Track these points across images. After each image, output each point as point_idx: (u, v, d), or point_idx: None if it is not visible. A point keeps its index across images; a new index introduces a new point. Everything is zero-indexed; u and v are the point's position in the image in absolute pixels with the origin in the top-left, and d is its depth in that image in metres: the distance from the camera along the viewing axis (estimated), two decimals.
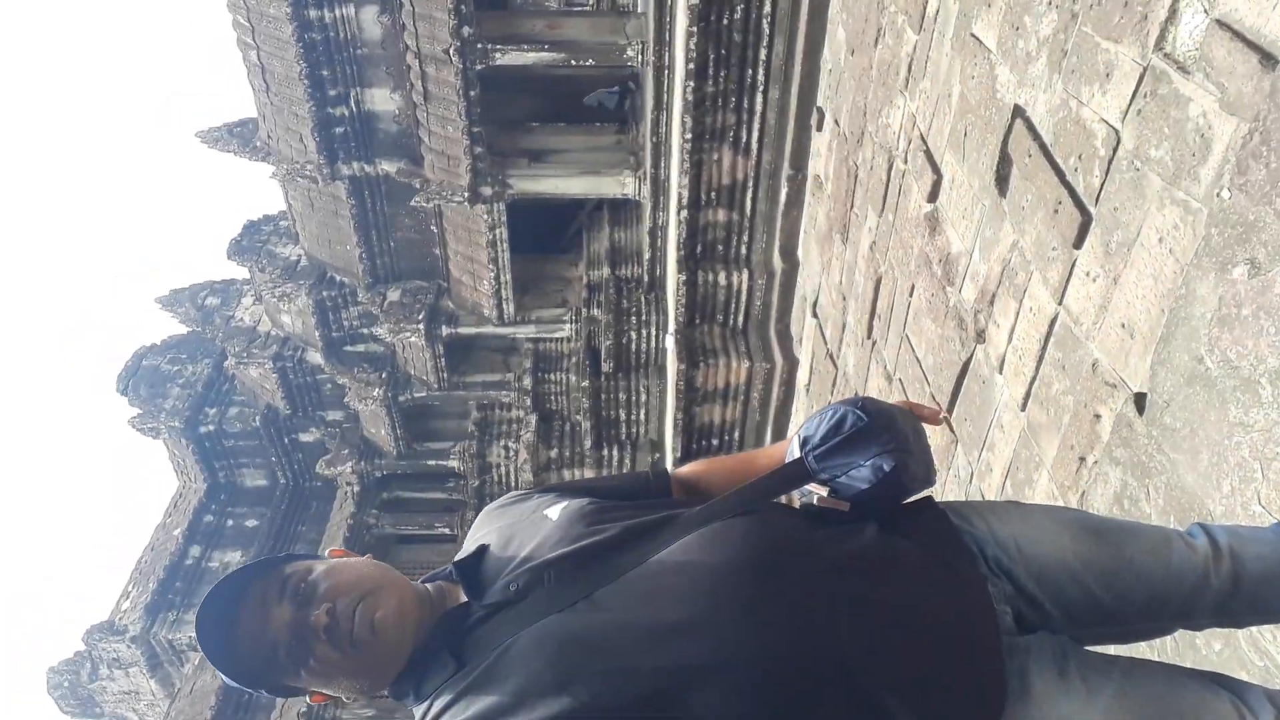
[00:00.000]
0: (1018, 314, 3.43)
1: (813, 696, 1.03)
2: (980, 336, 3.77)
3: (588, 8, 14.19)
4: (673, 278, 8.84)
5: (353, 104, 9.31)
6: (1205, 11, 2.43)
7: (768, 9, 7.16)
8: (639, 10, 9.54)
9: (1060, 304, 3.11)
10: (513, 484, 10.56)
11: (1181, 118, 2.49)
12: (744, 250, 8.58)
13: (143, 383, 11.71)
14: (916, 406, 1.31)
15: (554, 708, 1.00)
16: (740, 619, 1.04)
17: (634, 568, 1.09)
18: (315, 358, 11.47)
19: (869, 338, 5.60)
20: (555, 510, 1.21)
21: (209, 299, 11.91)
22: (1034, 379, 3.30)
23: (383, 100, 9.37)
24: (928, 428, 1.33)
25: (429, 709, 1.09)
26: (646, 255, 9.53)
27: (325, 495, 12.91)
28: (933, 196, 4.38)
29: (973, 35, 3.92)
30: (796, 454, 1.25)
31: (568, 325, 10.12)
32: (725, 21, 7.27)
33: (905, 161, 4.85)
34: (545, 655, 1.03)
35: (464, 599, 1.17)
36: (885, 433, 1.22)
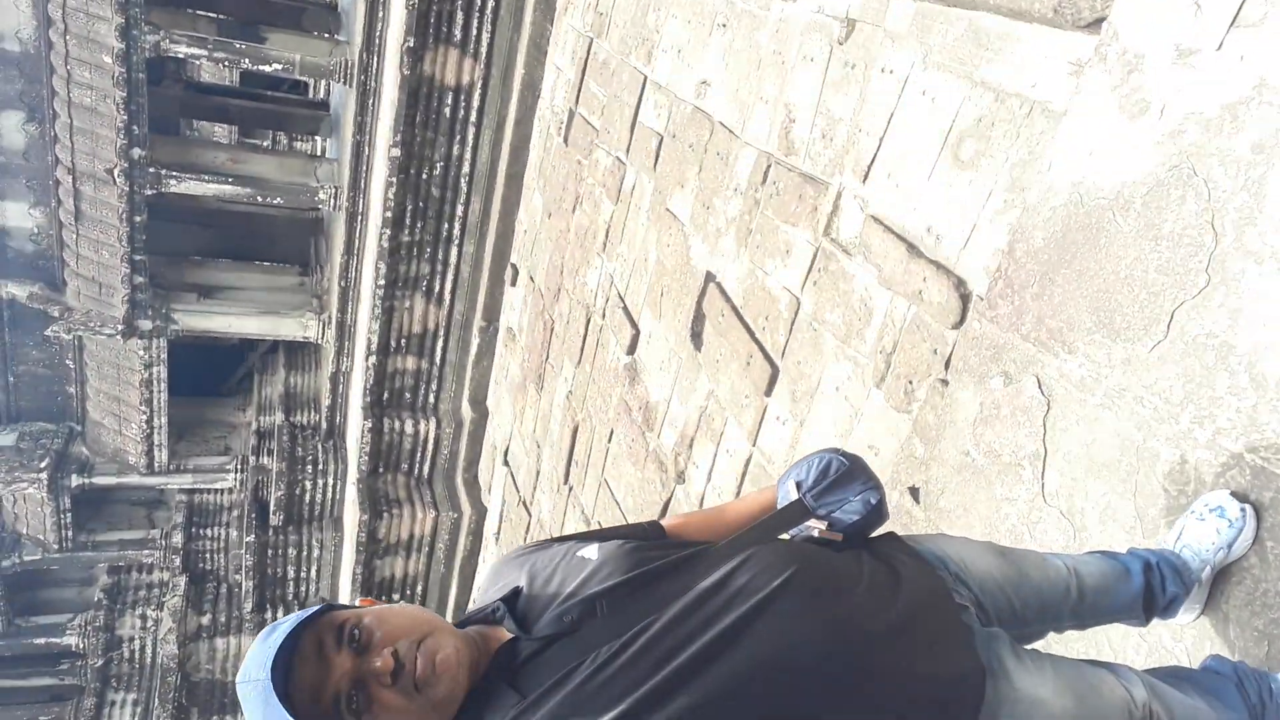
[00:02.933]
0: (715, 455, 3.80)
1: (850, 683, 1.14)
2: (680, 477, 4.10)
3: (266, 147, 13.83)
4: (356, 425, 8.51)
5: None
6: (861, 209, 3.03)
7: (466, 169, 7.53)
8: (330, 156, 9.51)
9: (755, 445, 3.51)
10: (149, 660, 9.05)
11: (849, 290, 3.03)
12: (433, 398, 8.54)
13: None
14: None
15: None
16: (797, 613, 1.13)
17: (681, 595, 1.15)
18: None
19: (565, 483, 5.78)
20: (592, 550, 1.26)
21: None
22: None
23: (18, 215, 8.27)
24: None
25: None
26: (327, 401, 9.10)
27: None
28: (631, 349, 4.77)
29: (668, 209, 4.46)
30: (793, 495, 1.42)
31: (231, 475, 9.21)
32: (425, 176, 7.51)
33: (604, 317, 5.25)
34: (599, 688, 1.07)
35: (505, 639, 1.19)
36: (863, 473, 1.43)
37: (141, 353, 8.29)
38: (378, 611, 1.16)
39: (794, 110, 3.45)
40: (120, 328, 7.98)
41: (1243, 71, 1.66)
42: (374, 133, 7.72)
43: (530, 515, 6.63)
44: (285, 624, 1.10)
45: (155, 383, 8.45)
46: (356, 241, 8.23)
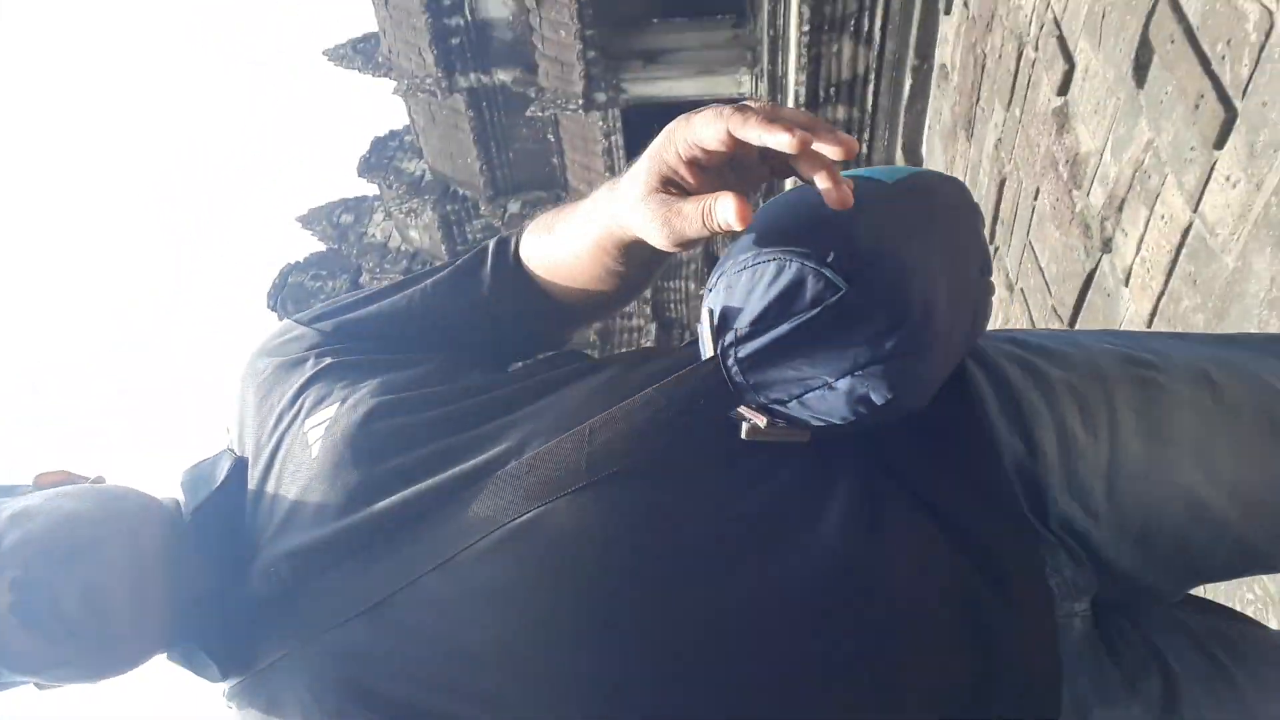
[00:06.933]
0: (1148, 222, 3.12)
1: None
2: (1107, 245, 3.46)
3: None
4: (790, 181, 8.55)
5: (467, 12, 9.29)
6: None
7: None
8: None
9: (1195, 211, 2.80)
10: None
11: None
12: (864, 150, 8.16)
13: (289, 299, 12.45)
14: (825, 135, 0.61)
15: None
16: (569, 652, 0.67)
17: (431, 567, 0.70)
18: None
19: (991, 243, 5.26)
20: (318, 430, 0.77)
21: (343, 216, 12.41)
22: (1162, 293, 3.02)
23: (496, 6, 9.30)
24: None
25: (229, 698, 0.80)
26: None
27: None
28: (1063, 89, 3.98)
29: None
30: (709, 347, 0.70)
31: None
32: None
33: (1036, 49, 4.42)
34: (319, 702, 0.72)
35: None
36: (886, 314, 0.64)
37: (601, 124, 9.11)
38: (22, 509, 0.76)
39: None
40: (580, 102, 8.80)
41: None
42: None
43: None
44: None
45: (614, 150, 9.29)
46: None
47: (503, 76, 9.67)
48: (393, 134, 11.97)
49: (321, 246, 12.76)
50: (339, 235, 12.05)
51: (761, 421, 0.70)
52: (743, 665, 0.66)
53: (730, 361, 0.68)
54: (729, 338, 0.68)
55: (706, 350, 0.71)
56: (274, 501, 0.77)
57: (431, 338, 0.86)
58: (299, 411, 0.80)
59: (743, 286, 0.68)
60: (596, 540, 0.68)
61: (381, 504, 0.72)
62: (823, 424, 0.70)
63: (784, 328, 0.65)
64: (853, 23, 7.41)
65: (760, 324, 0.66)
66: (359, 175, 11.36)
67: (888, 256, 0.64)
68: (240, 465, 0.81)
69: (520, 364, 0.92)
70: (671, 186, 0.62)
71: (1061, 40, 4.05)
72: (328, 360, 0.83)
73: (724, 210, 0.59)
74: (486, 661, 0.67)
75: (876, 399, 0.65)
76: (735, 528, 0.69)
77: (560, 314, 0.87)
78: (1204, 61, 2.78)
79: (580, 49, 8.62)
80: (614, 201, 0.70)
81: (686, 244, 0.66)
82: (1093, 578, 0.76)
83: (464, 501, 0.70)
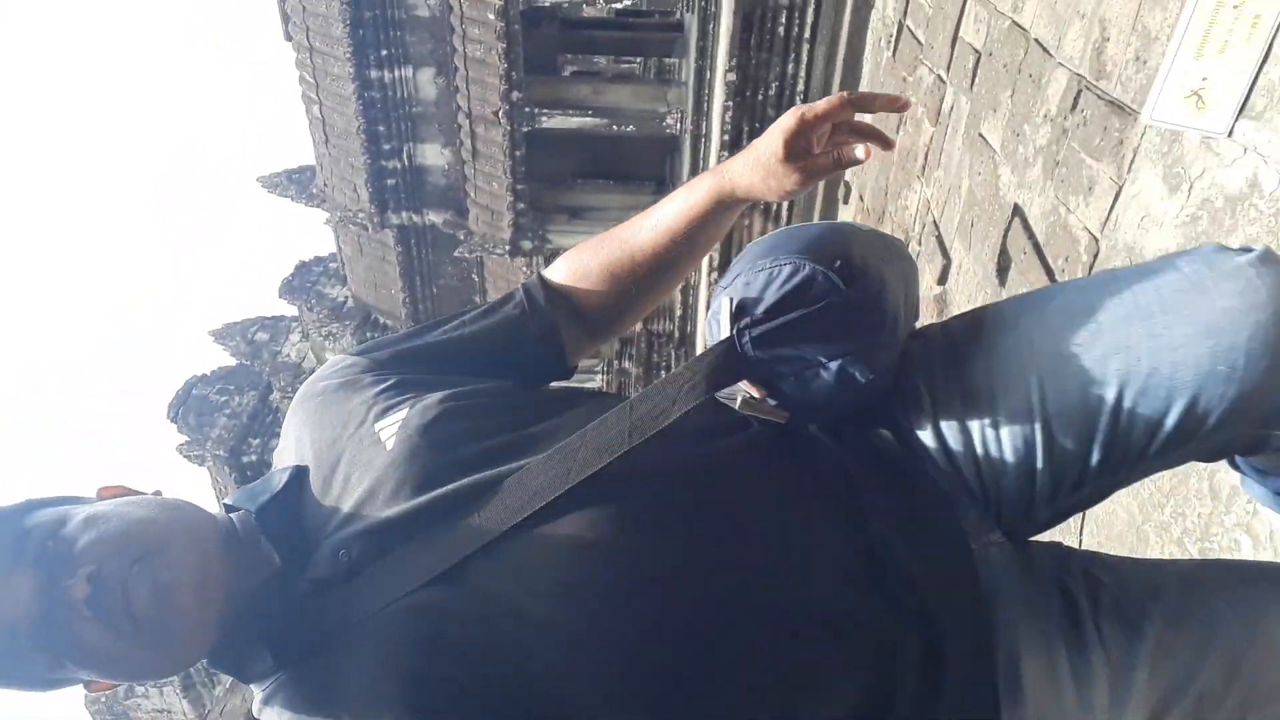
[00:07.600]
0: None
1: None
2: None
3: (635, 66, 14.80)
4: (702, 335, 9.17)
5: (405, 158, 9.83)
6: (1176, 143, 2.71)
7: (800, 87, 7.56)
8: (682, 78, 10.02)
9: None
10: None
11: None
12: None
13: (192, 411, 12.21)
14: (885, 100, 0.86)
15: None
16: (609, 603, 0.75)
17: (501, 531, 0.77)
18: None
19: None
20: (391, 429, 0.85)
21: (259, 334, 12.44)
22: None
23: (434, 155, 9.88)
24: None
25: (264, 703, 0.82)
26: (678, 312, 9.87)
27: None
28: (942, 279, 4.65)
29: (980, 135, 4.23)
30: (725, 328, 0.84)
31: (600, 376, 10.45)
32: (760, 97, 7.67)
33: (920, 244, 5.14)
34: (390, 663, 0.75)
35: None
36: (871, 314, 0.81)
37: (525, 269, 9.62)
38: (95, 512, 0.82)
39: (1109, 26, 3.10)
40: (507, 248, 9.33)
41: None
42: (714, 57, 8.00)
43: None
44: None
45: None
46: (700, 163, 8.69)
47: (434, 218, 10.17)
48: (318, 259, 12.24)
49: (232, 362, 12.66)
50: (252, 352, 12.03)
51: (757, 393, 0.85)
52: (768, 558, 0.79)
53: (745, 340, 0.82)
54: (745, 321, 0.82)
55: (724, 332, 0.84)
56: (341, 496, 0.83)
57: (475, 368, 0.97)
58: (368, 417, 0.88)
59: (760, 282, 0.83)
60: (651, 490, 0.79)
61: (449, 486, 0.80)
62: (806, 403, 0.85)
63: (794, 315, 0.80)
64: (762, 203, 8.25)
65: (774, 311, 0.81)
66: (280, 296, 11.51)
67: (873, 272, 0.82)
68: (300, 472, 0.88)
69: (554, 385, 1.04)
70: (798, 153, 0.84)
71: (940, 239, 4.76)
72: (395, 377, 0.92)
73: (854, 151, 0.84)
74: (562, 602, 0.75)
75: (861, 377, 0.81)
76: (750, 471, 0.85)
77: (593, 330, 1.03)
78: (1049, 272, 3.41)
79: (511, 200, 9.23)
80: (729, 174, 0.92)
81: (806, 186, 0.89)
82: (993, 520, 0.88)
83: (524, 480, 0.79)
